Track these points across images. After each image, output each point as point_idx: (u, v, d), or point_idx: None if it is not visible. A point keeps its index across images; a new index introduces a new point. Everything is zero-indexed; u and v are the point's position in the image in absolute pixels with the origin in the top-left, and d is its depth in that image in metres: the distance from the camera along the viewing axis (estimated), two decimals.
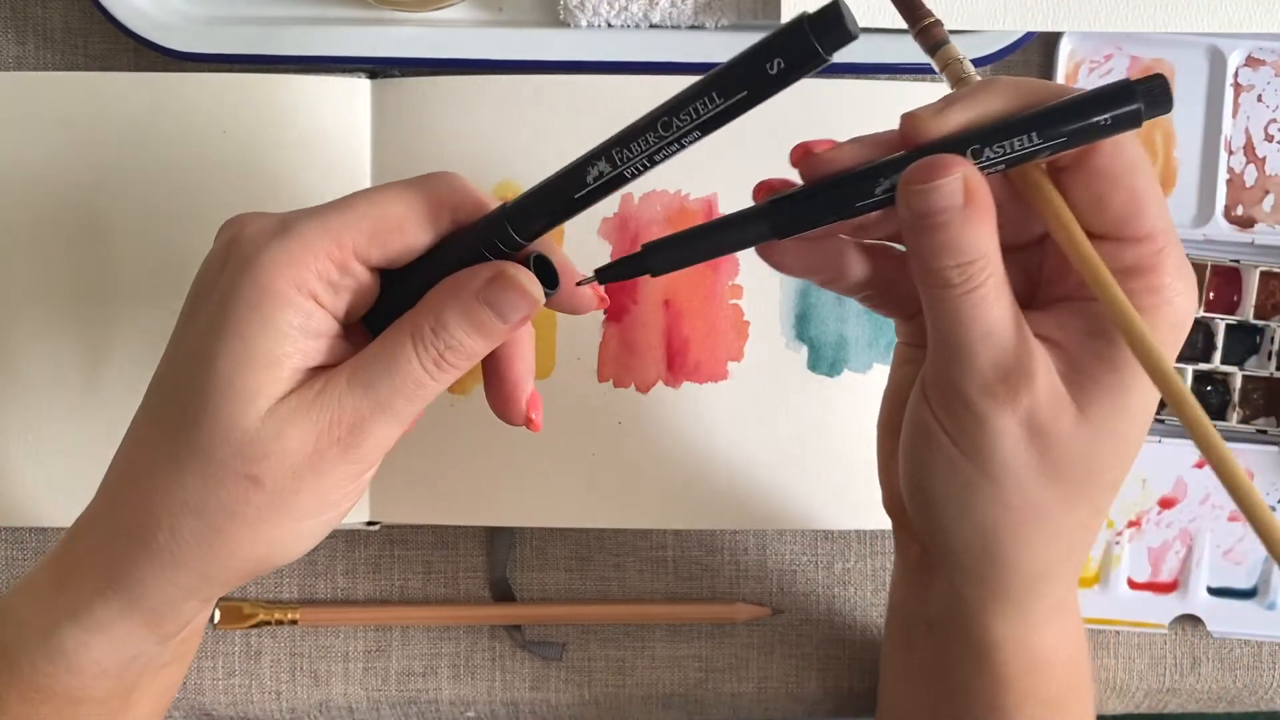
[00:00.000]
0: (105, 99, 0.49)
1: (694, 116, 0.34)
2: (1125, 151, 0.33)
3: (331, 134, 0.49)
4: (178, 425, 0.34)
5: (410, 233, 0.35)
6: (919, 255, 0.33)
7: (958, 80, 0.36)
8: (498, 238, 0.35)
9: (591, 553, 0.53)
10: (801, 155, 0.35)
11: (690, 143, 0.34)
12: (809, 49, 0.32)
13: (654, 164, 0.34)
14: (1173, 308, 0.34)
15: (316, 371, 0.35)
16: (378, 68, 0.50)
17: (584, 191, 0.34)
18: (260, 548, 0.35)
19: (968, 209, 0.33)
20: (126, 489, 0.36)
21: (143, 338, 0.49)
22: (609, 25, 0.50)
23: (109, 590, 0.35)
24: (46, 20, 0.52)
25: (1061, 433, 0.34)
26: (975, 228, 0.33)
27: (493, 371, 0.38)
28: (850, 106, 0.49)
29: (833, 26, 0.32)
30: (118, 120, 0.49)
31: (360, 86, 0.50)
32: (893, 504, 0.42)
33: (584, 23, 0.49)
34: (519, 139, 0.49)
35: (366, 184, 0.50)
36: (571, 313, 0.38)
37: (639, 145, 0.34)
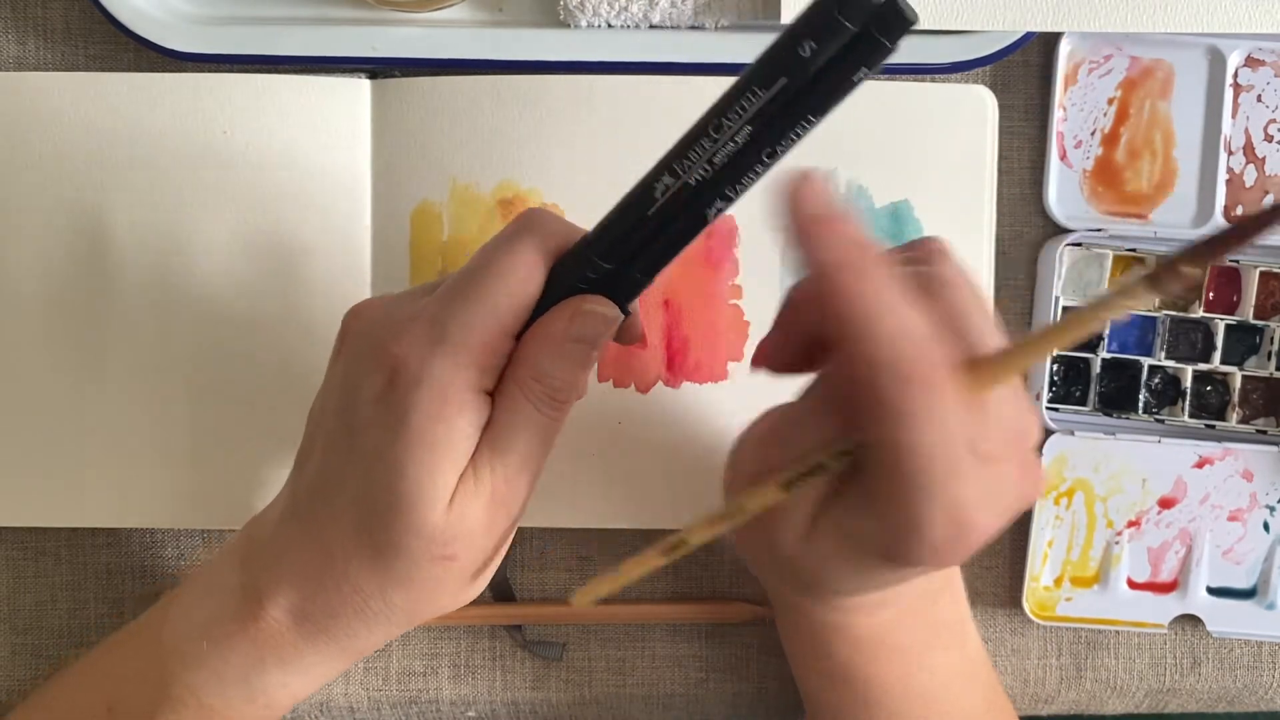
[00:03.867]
0: (105, 99, 0.49)
1: (741, 114, 0.33)
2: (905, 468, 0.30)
3: (331, 134, 0.49)
4: (368, 522, 0.37)
5: (535, 289, 0.37)
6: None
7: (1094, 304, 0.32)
8: (588, 270, 0.36)
9: (591, 553, 0.53)
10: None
11: (759, 151, 0.34)
12: (834, 24, 0.31)
13: (721, 171, 0.34)
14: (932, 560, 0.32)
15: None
16: (378, 68, 0.50)
17: (656, 207, 0.35)
18: (458, 602, 0.39)
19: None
20: (322, 566, 0.38)
21: (142, 338, 0.49)
22: (609, 25, 0.50)
23: (322, 640, 0.39)
24: (46, 20, 0.52)
25: (793, 555, 0.35)
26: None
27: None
28: (850, 106, 0.49)
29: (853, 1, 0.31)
30: (118, 120, 0.49)
31: (360, 86, 0.50)
32: None
33: (584, 23, 0.49)
34: (519, 139, 0.49)
35: (367, 184, 0.50)
36: (624, 344, 0.41)
37: (696, 152, 0.34)
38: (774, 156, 0.34)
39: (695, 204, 0.35)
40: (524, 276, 0.36)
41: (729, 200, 0.34)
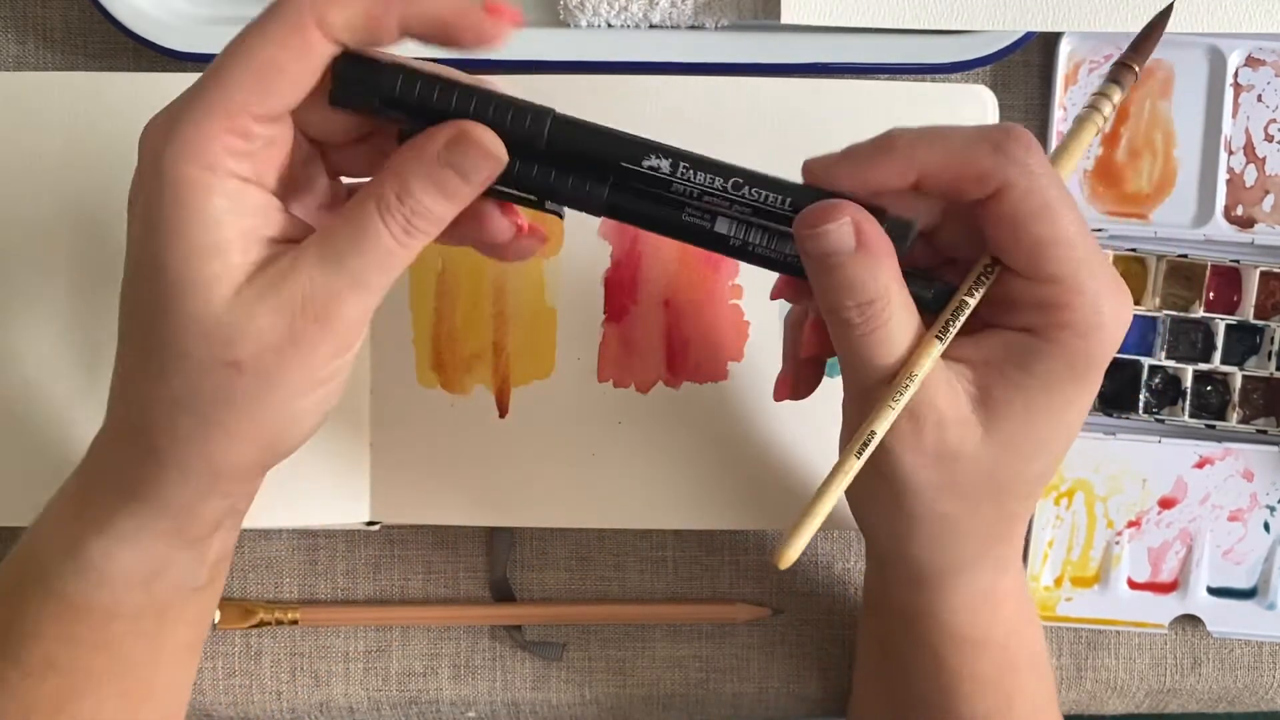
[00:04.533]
0: (105, 99, 0.49)
1: (756, 200, 0.35)
2: (1033, 198, 0.34)
3: None
4: (147, 333, 0.34)
5: (292, 69, 0.33)
6: (820, 294, 0.35)
7: (1085, 111, 0.38)
8: (528, 132, 0.35)
9: (591, 553, 0.53)
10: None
11: (746, 233, 0.36)
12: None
13: (708, 212, 0.36)
14: (1090, 336, 0.35)
15: (281, 249, 0.34)
16: None
17: (631, 166, 0.35)
18: (260, 432, 0.35)
19: (860, 252, 0.34)
20: (123, 404, 0.36)
21: None
22: (609, 25, 0.50)
23: (130, 501, 0.36)
24: (46, 20, 0.52)
25: (965, 454, 0.36)
26: (869, 269, 0.34)
27: (472, 234, 0.38)
28: (850, 106, 0.49)
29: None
30: (118, 120, 0.49)
31: None
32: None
33: (584, 23, 0.49)
34: None
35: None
36: (497, 239, 0.38)
37: (703, 175, 0.35)
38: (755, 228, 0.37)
39: (669, 217, 0.36)
40: (269, 55, 0.33)
41: (705, 220, 0.36)
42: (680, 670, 0.53)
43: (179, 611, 0.40)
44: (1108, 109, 0.38)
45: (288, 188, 0.36)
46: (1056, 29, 0.49)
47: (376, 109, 0.35)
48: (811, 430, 0.49)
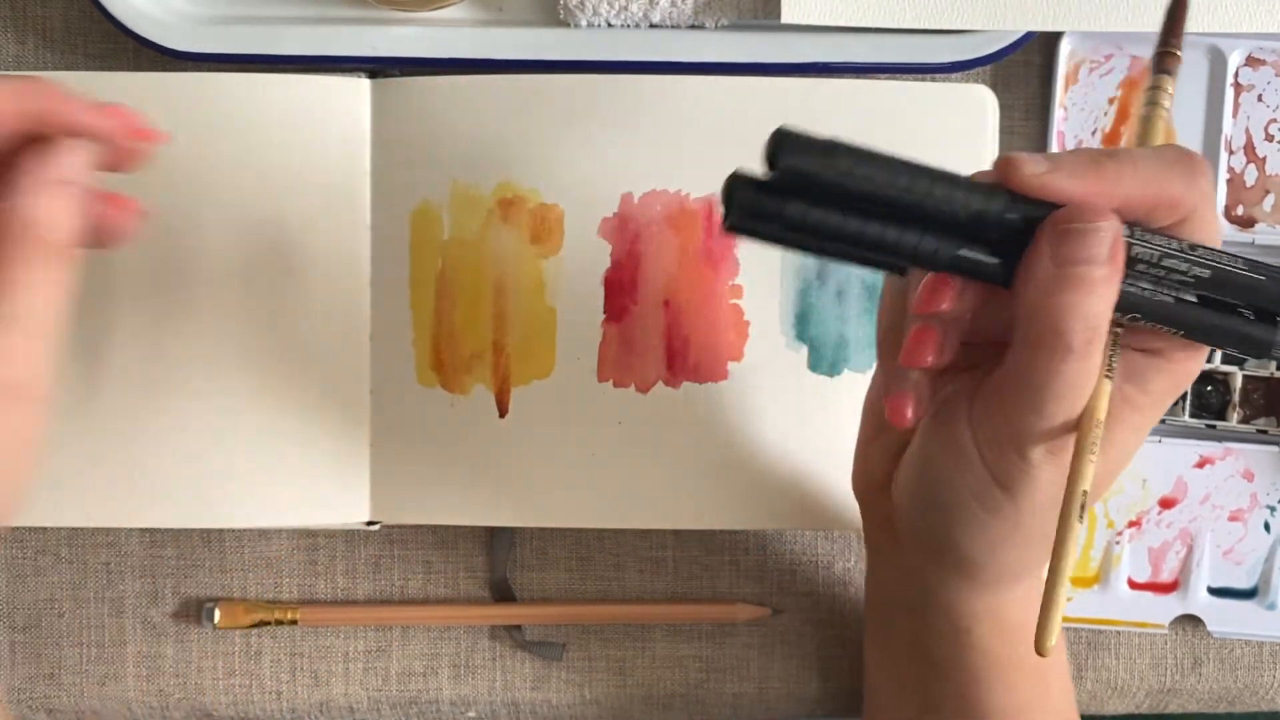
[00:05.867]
0: (105, 99, 0.49)
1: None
2: (1209, 227, 0.35)
3: (331, 134, 0.49)
4: None
5: None
6: (1046, 310, 0.33)
7: (1148, 109, 0.38)
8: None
9: (591, 553, 0.53)
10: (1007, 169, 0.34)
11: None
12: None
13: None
14: (1199, 356, 0.36)
15: None
16: (378, 68, 0.50)
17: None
18: None
19: (1109, 267, 0.33)
20: None
21: (142, 337, 0.49)
22: (609, 25, 0.50)
23: None
24: (46, 20, 0.52)
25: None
26: (1110, 290, 0.33)
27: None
28: (850, 106, 0.49)
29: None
30: None
31: (360, 86, 0.50)
32: (867, 486, 0.44)
33: (584, 22, 0.49)
34: (519, 139, 0.49)
35: (366, 184, 0.50)
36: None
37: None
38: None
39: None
40: None
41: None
42: (680, 670, 0.53)
43: None
44: (1167, 101, 0.37)
45: None
46: (1056, 29, 0.49)
47: (776, 235, 0.34)
48: (811, 430, 0.49)
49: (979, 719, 0.42)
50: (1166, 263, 0.34)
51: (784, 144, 0.32)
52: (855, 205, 0.33)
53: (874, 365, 0.50)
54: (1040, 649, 0.33)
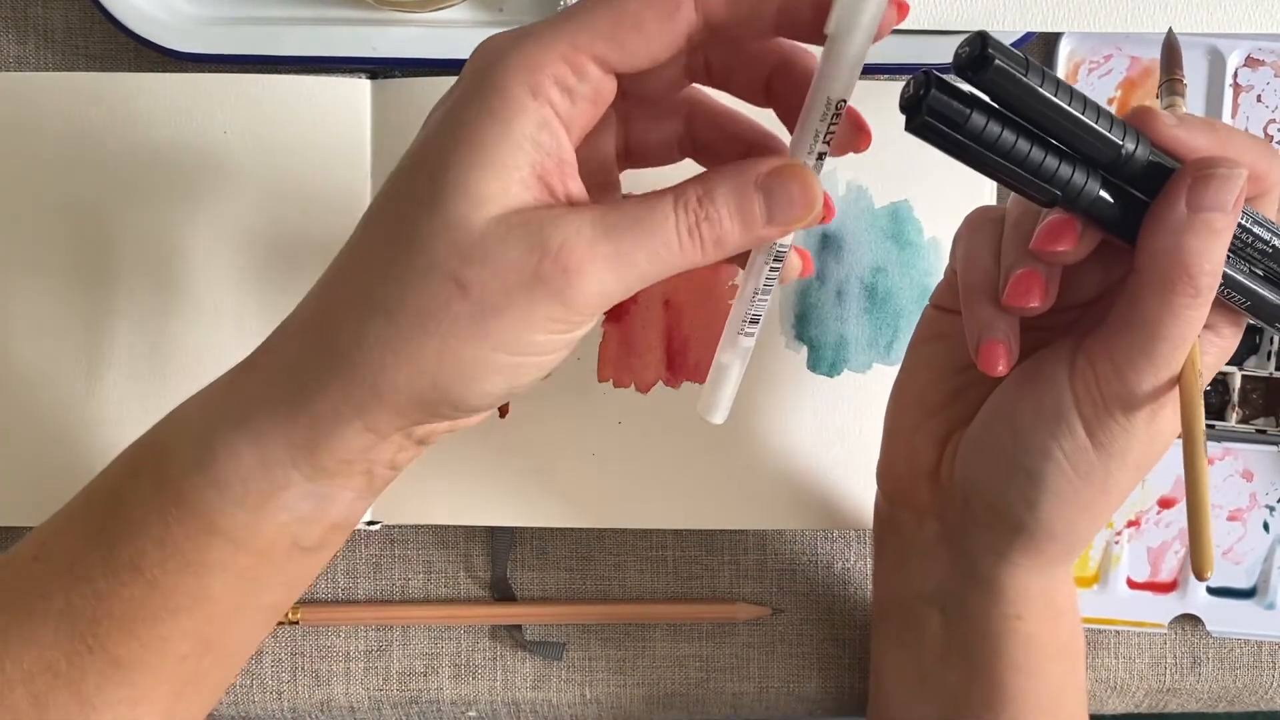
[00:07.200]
0: (105, 99, 0.49)
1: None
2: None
3: (331, 134, 0.49)
4: (402, 223, 0.33)
5: (650, 31, 0.32)
6: (1179, 252, 0.34)
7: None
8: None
9: (591, 553, 0.53)
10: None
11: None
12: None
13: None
14: (1219, 360, 0.39)
15: (550, 202, 0.33)
16: (378, 68, 0.50)
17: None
18: (441, 366, 0.32)
19: (1234, 214, 0.34)
20: (319, 300, 0.34)
21: (143, 337, 0.49)
22: None
23: (275, 396, 0.34)
24: (46, 20, 0.52)
25: (1169, 433, 0.38)
26: (1227, 241, 0.35)
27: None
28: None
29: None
30: (118, 120, 0.49)
31: (360, 86, 0.50)
32: (911, 475, 0.44)
33: None
34: None
35: (367, 184, 0.50)
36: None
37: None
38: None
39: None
40: (636, 9, 0.32)
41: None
42: (680, 670, 0.53)
43: (276, 566, 0.36)
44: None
45: (579, 153, 0.35)
46: (1056, 29, 0.49)
47: (952, 144, 0.34)
48: (811, 430, 0.49)
49: (1014, 711, 0.42)
50: (1256, 229, 0.35)
51: (993, 50, 0.32)
52: (1026, 126, 0.33)
53: (874, 367, 0.50)
54: (1197, 573, 0.35)
